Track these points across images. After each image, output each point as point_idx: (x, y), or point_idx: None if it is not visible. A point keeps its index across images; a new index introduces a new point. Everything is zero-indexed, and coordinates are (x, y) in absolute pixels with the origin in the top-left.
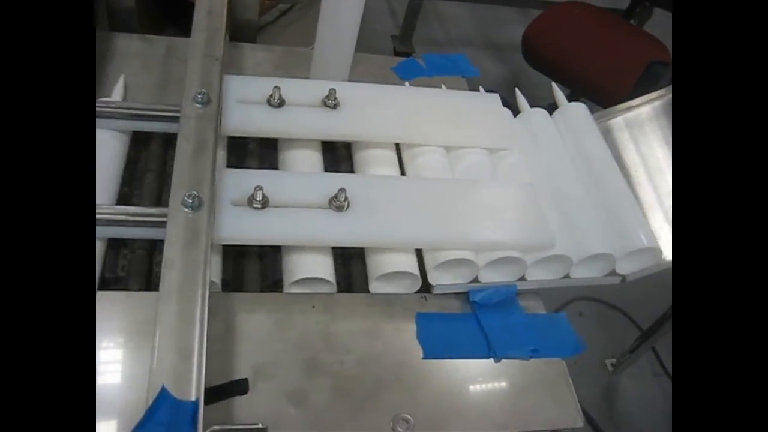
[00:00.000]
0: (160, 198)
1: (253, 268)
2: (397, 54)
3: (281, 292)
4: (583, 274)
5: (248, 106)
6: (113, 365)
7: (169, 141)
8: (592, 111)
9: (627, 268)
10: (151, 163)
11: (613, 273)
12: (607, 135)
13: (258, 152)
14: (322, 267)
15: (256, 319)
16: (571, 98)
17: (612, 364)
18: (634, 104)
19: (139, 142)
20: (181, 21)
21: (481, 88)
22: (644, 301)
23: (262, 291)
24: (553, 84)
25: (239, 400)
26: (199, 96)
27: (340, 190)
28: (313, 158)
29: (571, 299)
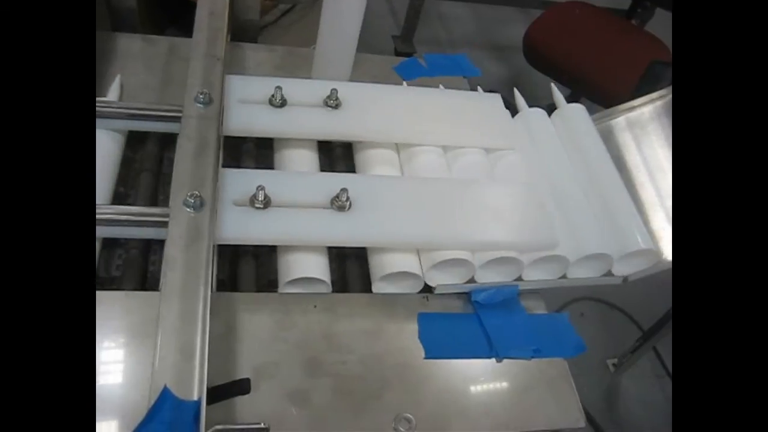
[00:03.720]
0: (156, 197)
1: (248, 268)
2: (398, 54)
3: (276, 292)
4: (580, 274)
5: (250, 106)
6: (113, 365)
7: (165, 141)
8: (593, 111)
9: (624, 270)
10: (146, 163)
11: (612, 274)
12: (609, 135)
13: (255, 152)
14: (318, 267)
15: (257, 319)
16: (571, 98)
17: (614, 365)
18: (635, 104)
19: (135, 141)
20: (183, 21)
21: (479, 88)
22: (645, 302)
23: (258, 291)
24: (552, 85)
25: (240, 400)
26: (201, 96)
27: (342, 190)
28: (311, 158)
29: (572, 299)
